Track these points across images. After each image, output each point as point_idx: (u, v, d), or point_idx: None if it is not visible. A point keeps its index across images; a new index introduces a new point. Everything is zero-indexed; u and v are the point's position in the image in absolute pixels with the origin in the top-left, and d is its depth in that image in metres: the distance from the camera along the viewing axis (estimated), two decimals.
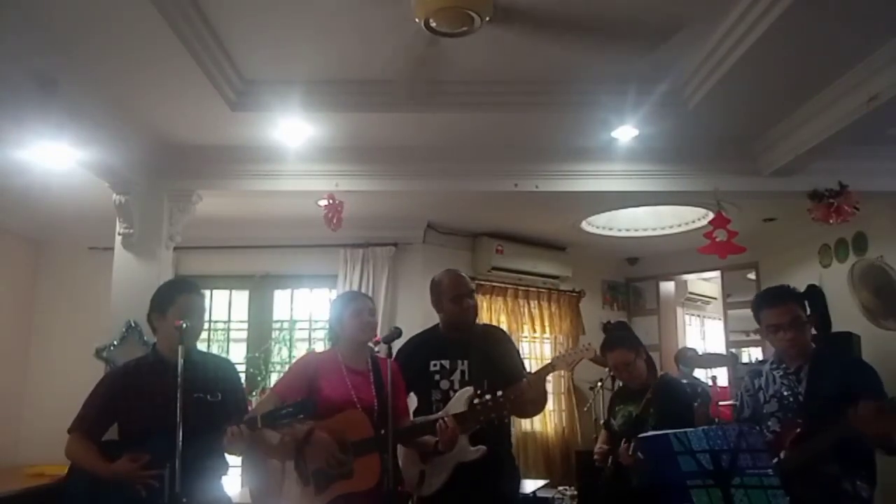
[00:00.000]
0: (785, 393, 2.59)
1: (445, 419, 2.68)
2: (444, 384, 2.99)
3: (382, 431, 2.56)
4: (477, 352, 3.02)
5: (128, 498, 2.33)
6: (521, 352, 3.58)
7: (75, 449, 2.47)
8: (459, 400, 2.86)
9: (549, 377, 3.03)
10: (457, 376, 2.99)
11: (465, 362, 3.00)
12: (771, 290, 2.74)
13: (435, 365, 3.02)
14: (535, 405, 3.13)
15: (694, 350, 6.52)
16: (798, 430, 2.44)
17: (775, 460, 2.39)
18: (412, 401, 3.10)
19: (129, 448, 2.41)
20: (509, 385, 2.87)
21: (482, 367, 2.98)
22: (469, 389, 2.87)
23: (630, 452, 2.93)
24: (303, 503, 2.59)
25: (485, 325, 3.19)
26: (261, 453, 2.62)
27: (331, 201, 4.36)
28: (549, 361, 3.00)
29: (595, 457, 3.29)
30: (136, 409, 2.48)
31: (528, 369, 3.19)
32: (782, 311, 2.57)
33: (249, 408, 2.84)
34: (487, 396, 2.74)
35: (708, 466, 1.99)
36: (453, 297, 3.05)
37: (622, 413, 3.26)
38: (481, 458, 2.79)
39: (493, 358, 3.02)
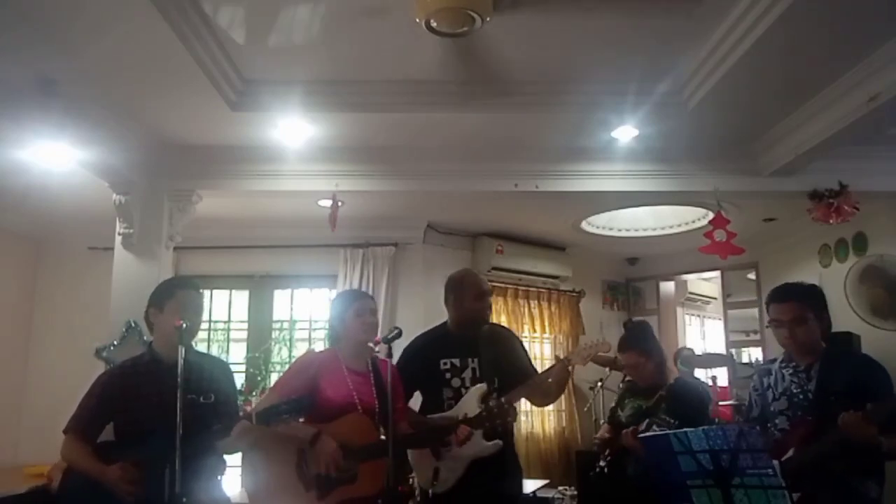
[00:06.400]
0: (795, 390, 2.59)
1: (459, 431, 2.74)
2: (456, 382, 3.03)
3: (382, 436, 2.57)
4: (486, 350, 3.05)
5: (124, 500, 2.33)
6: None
7: (70, 450, 2.46)
8: (472, 397, 2.93)
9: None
10: (468, 374, 3.03)
11: (476, 360, 3.04)
12: (783, 286, 2.76)
13: (445, 363, 3.05)
14: (552, 396, 3.19)
15: (691, 350, 6.51)
16: (808, 428, 2.45)
17: (784, 458, 2.40)
18: (418, 399, 3.15)
19: (124, 449, 2.40)
20: (518, 382, 2.98)
21: (492, 365, 3.02)
22: (482, 386, 2.94)
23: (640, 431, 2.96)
24: None
25: (491, 324, 3.25)
26: (266, 447, 2.61)
27: (339, 203, 4.38)
28: (564, 357, 3.07)
29: (595, 440, 3.35)
30: (132, 409, 2.47)
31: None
32: (785, 308, 2.61)
33: (249, 408, 2.83)
34: (492, 403, 2.81)
35: (708, 466, 1.99)
36: (477, 294, 3.11)
37: (631, 405, 3.28)
38: (493, 455, 2.86)
39: (502, 356, 3.07)
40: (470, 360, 3.05)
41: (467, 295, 3.10)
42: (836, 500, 2.39)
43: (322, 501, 2.56)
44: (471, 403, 2.91)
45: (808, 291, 2.70)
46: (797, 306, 2.59)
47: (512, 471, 3.10)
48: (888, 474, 2.48)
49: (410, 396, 3.12)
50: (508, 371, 3.04)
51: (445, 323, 3.22)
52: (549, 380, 3.03)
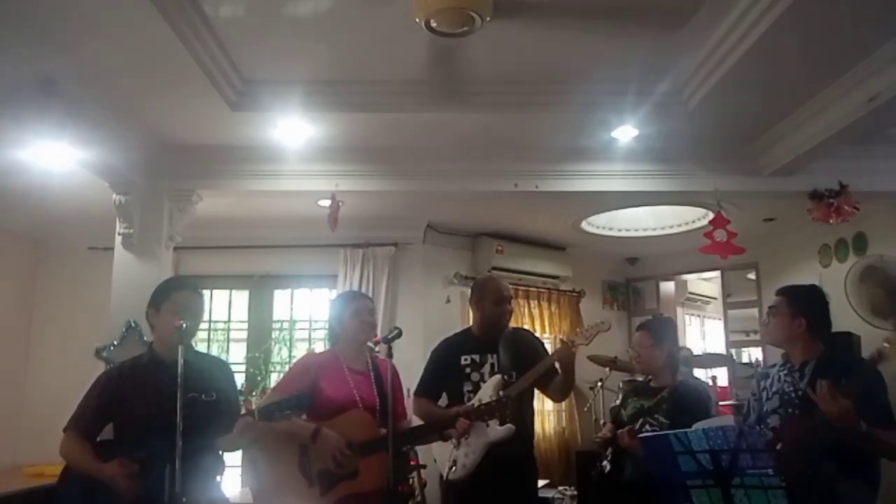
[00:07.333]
0: (787, 389, 2.60)
1: (458, 425, 2.82)
2: (475, 376, 3.18)
3: (383, 431, 2.58)
4: (506, 346, 3.21)
5: (122, 498, 2.33)
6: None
7: (70, 448, 2.46)
8: (488, 387, 3.06)
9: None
10: (487, 368, 3.18)
11: (495, 356, 3.19)
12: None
13: (466, 359, 3.22)
14: (562, 384, 3.22)
15: (689, 350, 6.50)
16: (797, 422, 2.45)
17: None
18: (443, 399, 3.26)
19: (123, 448, 2.40)
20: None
21: (510, 360, 3.17)
22: (498, 377, 3.07)
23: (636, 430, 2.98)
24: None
25: (514, 327, 3.42)
26: (268, 444, 2.62)
27: (339, 203, 4.39)
28: (567, 338, 3.13)
29: (595, 438, 3.39)
30: (132, 409, 2.47)
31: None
32: (773, 300, 2.78)
33: (251, 407, 2.83)
34: (491, 398, 2.89)
35: (708, 466, 2.00)
36: (497, 300, 3.25)
37: (633, 405, 3.28)
38: (512, 454, 2.97)
39: (520, 352, 3.20)
40: (490, 356, 3.20)
41: (488, 300, 3.25)
42: (824, 497, 2.38)
43: (325, 497, 2.58)
44: (487, 393, 3.03)
45: (796, 290, 2.79)
46: (778, 299, 2.74)
47: (532, 469, 3.25)
48: (889, 482, 2.47)
49: (439, 396, 3.25)
50: (526, 367, 3.12)
51: (471, 326, 3.41)
52: (556, 364, 3.11)
